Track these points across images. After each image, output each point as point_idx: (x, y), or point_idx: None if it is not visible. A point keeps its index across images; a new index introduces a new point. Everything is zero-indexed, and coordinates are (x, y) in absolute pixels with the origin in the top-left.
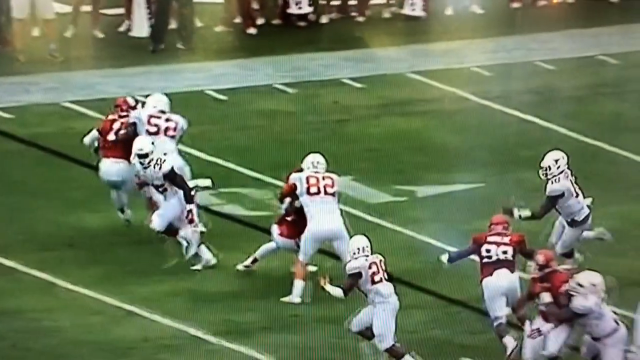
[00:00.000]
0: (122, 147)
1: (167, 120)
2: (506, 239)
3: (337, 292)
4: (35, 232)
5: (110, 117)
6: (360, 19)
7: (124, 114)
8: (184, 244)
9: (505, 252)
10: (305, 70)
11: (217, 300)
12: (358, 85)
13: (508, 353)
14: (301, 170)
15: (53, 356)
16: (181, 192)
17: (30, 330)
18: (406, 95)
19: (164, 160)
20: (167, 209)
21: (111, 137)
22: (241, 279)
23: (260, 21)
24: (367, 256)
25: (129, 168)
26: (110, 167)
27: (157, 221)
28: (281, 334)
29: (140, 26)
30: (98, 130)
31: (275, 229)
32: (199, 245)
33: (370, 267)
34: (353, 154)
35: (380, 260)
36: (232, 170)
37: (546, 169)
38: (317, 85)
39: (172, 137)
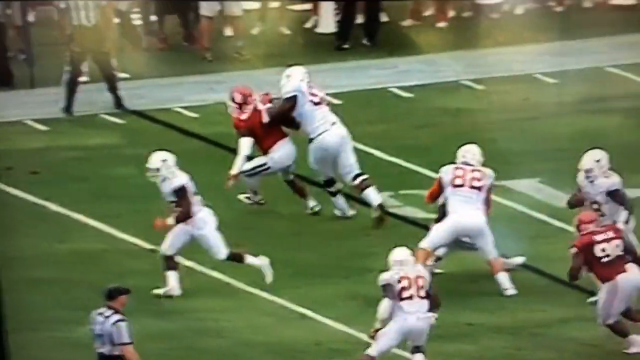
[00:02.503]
0: (278, 126)
1: (320, 90)
2: (611, 233)
3: (382, 306)
4: None
5: (240, 114)
6: (559, 9)
7: (255, 100)
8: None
9: (618, 246)
10: (496, 65)
11: None
12: (551, 80)
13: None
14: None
15: (225, 357)
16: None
17: (204, 330)
18: (604, 91)
19: (176, 176)
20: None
21: (266, 118)
22: None
23: (450, 13)
24: (402, 269)
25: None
26: (287, 150)
27: (166, 245)
28: (455, 343)
29: (327, 22)
30: (242, 134)
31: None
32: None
33: (399, 282)
34: (541, 154)
35: (418, 277)
36: (413, 171)
37: (588, 171)
38: (507, 81)
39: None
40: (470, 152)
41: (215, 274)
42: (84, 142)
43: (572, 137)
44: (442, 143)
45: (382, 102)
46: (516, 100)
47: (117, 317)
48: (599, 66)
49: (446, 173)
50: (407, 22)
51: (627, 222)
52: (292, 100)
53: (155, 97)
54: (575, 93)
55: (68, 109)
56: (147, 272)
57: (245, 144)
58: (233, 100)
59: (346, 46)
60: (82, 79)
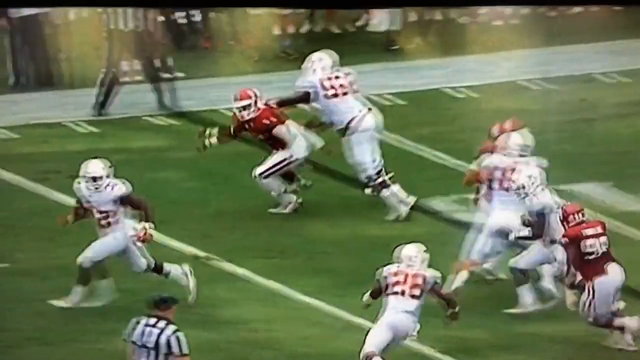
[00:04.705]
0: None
1: (337, 77)
2: (599, 228)
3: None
4: (259, 239)
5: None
6: (619, 7)
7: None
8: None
9: (605, 244)
10: (552, 64)
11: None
12: (610, 80)
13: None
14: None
15: None
16: (125, 227)
17: (246, 341)
18: None
19: (117, 184)
20: (105, 244)
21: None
22: (469, 293)
23: (508, 11)
24: (410, 265)
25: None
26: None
27: (87, 255)
28: (510, 353)
29: (379, 20)
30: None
31: None
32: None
33: (395, 275)
34: (598, 156)
35: (416, 275)
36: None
37: (520, 187)
38: (564, 81)
39: (356, 92)
40: (521, 145)
41: (261, 281)
42: (127, 145)
43: (630, 139)
44: None
45: (434, 103)
46: (573, 100)
47: (173, 327)
48: None
49: (489, 170)
50: (464, 20)
51: None
52: (305, 95)
53: (201, 97)
54: (634, 94)
55: (100, 108)
56: None
57: (285, 130)
58: (255, 97)
59: (398, 46)
60: (124, 79)
